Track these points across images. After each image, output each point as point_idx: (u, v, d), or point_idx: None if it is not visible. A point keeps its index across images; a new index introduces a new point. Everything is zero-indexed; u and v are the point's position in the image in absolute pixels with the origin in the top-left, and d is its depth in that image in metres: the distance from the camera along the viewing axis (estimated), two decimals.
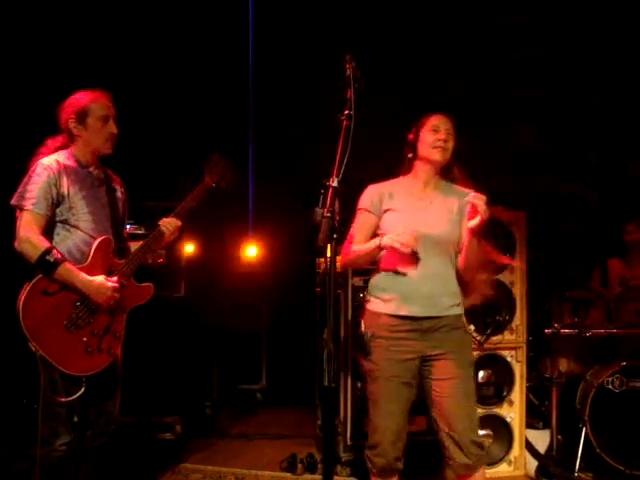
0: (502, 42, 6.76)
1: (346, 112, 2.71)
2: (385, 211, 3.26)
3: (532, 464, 4.64)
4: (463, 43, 6.68)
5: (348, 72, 2.75)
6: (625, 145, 6.89)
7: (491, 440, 4.47)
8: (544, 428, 4.93)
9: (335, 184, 2.51)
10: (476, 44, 6.71)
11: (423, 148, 3.26)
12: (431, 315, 3.17)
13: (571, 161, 6.97)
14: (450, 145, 3.26)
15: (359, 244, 3.23)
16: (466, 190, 3.23)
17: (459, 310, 3.29)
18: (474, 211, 3.01)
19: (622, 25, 6.48)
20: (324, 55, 6.01)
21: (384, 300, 3.22)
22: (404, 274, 3.17)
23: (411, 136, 3.31)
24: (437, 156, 3.24)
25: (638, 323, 4.82)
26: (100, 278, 3.05)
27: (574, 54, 6.76)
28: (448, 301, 3.22)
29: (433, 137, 3.23)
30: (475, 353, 4.36)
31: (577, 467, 4.53)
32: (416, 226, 3.14)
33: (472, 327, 4.36)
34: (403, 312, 3.16)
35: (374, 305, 3.27)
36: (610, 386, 4.54)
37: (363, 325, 3.29)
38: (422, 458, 4.43)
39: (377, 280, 3.29)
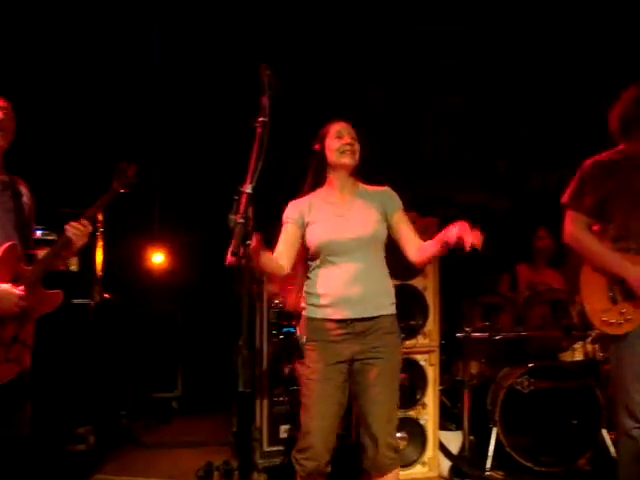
0: (422, 50, 6.88)
1: (260, 119, 2.71)
2: (307, 225, 3.30)
3: (445, 465, 4.74)
4: (382, 50, 6.77)
5: (263, 79, 2.75)
6: (530, 156, 7.14)
7: (406, 442, 4.55)
8: (457, 429, 5.03)
9: (249, 190, 2.51)
10: (395, 52, 6.81)
11: (331, 155, 3.31)
12: (364, 317, 3.19)
13: (482, 169, 7.17)
14: (357, 148, 3.32)
15: (279, 253, 3.25)
16: (381, 188, 3.40)
17: (393, 309, 3.31)
18: (453, 237, 2.99)
19: (538, 39, 6.69)
20: (230, 61, 6.03)
21: (317, 306, 3.26)
22: (336, 279, 3.21)
23: (317, 146, 3.37)
24: (346, 159, 3.29)
25: (545, 326, 4.97)
26: (6, 286, 2.97)
27: (491, 64, 6.94)
28: (382, 300, 3.25)
29: (339, 143, 3.29)
30: None
31: (488, 466, 4.67)
32: (339, 234, 3.22)
33: None
34: (336, 316, 3.20)
35: (308, 311, 3.31)
36: (519, 387, 4.68)
37: (298, 330, 3.43)
38: (348, 462, 4.46)
39: (309, 286, 3.32)
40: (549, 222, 6.51)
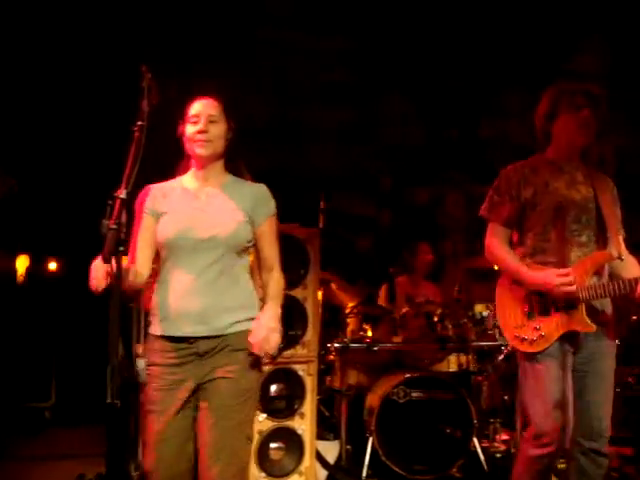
0: (309, 64, 6.93)
1: (139, 123, 2.65)
2: (160, 215, 2.83)
3: (322, 474, 4.76)
4: (268, 63, 6.78)
5: (143, 83, 2.68)
6: (413, 172, 7.32)
7: (282, 452, 4.55)
8: (334, 439, 5.08)
9: (123, 195, 2.46)
10: (283, 65, 6.83)
11: (186, 143, 2.87)
12: (208, 335, 2.74)
13: (366, 183, 7.29)
14: (216, 133, 2.84)
15: (137, 254, 2.81)
16: (257, 185, 2.97)
17: (243, 327, 2.80)
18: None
19: (423, 53, 6.86)
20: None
21: (156, 320, 2.80)
22: (179, 286, 2.75)
23: (180, 128, 2.91)
24: (198, 151, 2.82)
25: (421, 338, 5.09)
26: None
27: (377, 80, 7.07)
28: (228, 317, 2.77)
29: (192, 130, 2.82)
30: (267, 368, 4.43)
31: (364, 475, 4.72)
32: (189, 231, 2.75)
33: None
34: (176, 333, 2.73)
35: (151, 327, 2.83)
36: (395, 397, 4.76)
37: (141, 350, 3.06)
38: None
39: (155, 293, 2.84)
40: (429, 236, 6.72)
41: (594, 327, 3.11)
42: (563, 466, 4.83)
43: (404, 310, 5.28)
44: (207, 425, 2.71)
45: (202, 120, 2.82)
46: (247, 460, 2.91)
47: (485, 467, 4.76)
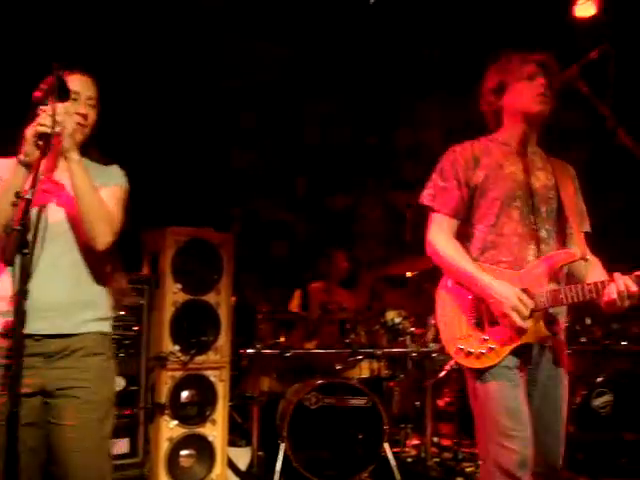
0: (229, 69, 6.89)
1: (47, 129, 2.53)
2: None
3: None
4: (193, 63, 6.69)
5: (55, 82, 2.59)
6: (328, 180, 7.38)
7: (194, 460, 4.50)
8: (247, 446, 5.05)
9: (29, 196, 2.38)
10: (207, 65, 6.76)
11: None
12: (59, 333, 2.47)
13: (283, 189, 7.31)
14: (92, 121, 2.64)
15: None
16: (114, 169, 2.74)
17: (101, 327, 2.59)
18: None
19: (349, 60, 6.90)
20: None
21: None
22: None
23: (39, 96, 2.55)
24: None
25: (334, 344, 5.11)
26: None
27: (293, 85, 7.07)
28: (82, 313, 2.53)
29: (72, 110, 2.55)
30: (179, 373, 4.39)
31: None
32: (39, 215, 2.38)
33: (177, 347, 4.38)
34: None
35: None
36: (307, 403, 4.76)
37: None
38: None
39: None
40: (345, 243, 6.79)
41: (551, 339, 2.69)
42: (471, 469, 4.99)
43: (317, 316, 5.31)
44: (63, 445, 2.46)
45: (82, 100, 2.62)
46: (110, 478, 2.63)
47: (396, 472, 4.81)
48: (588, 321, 5.29)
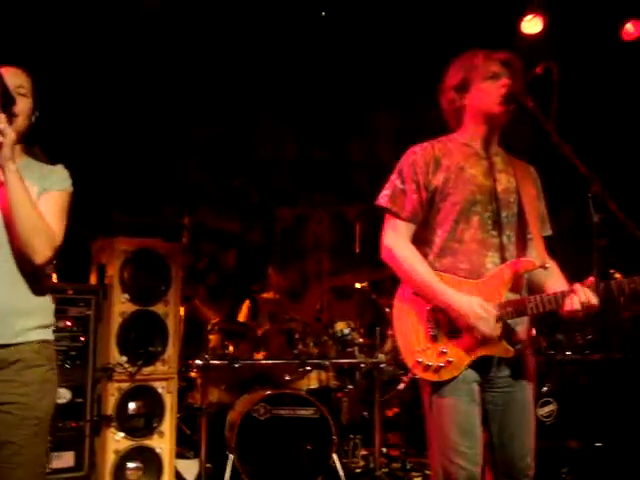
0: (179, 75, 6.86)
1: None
2: None
3: None
4: (145, 74, 6.63)
5: None
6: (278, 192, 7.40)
7: (141, 472, 4.44)
8: (195, 457, 5.01)
9: None
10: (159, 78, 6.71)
11: None
12: None
13: (235, 199, 7.30)
14: (22, 108, 2.49)
15: None
16: (54, 166, 2.62)
17: (42, 335, 2.46)
18: None
19: (300, 73, 6.91)
20: None
21: None
22: None
23: None
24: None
25: (282, 355, 5.11)
26: None
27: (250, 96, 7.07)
28: (20, 322, 2.39)
29: None
30: (126, 385, 4.34)
31: None
32: None
33: (124, 358, 4.33)
34: None
35: None
36: (256, 414, 4.74)
37: None
38: None
39: None
40: (294, 255, 6.81)
41: (512, 351, 2.61)
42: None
43: (266, 327, 5.30)
44: None
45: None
46: None
47: None
48: (533, 332, 5.37)
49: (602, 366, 5.20)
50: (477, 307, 2.54)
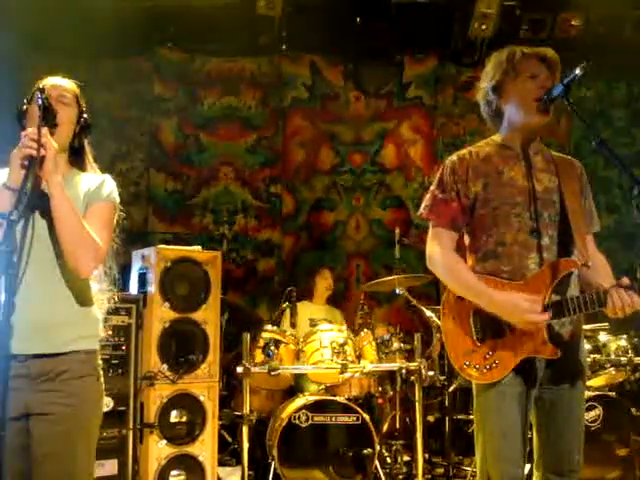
0: None
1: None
2: None
3: None
4: None
5: (41, 106, 2.50)
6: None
7: (183, 479, 4.46)
8: (237, 465, 5.01)
9: (14, 217, 2.33)
10: None
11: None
12: (41, 353, 2.36)
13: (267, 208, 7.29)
14: (60, 119, 2.48)
15: None
16: (100, 175, 2.65)
17: (86, 345, 2.47)
18: None
19: None
20: None
21: None
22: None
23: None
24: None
25: (323, 361, 5.08)
26: None
27: None
28: (66, 333, 2.42)
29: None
30: (168, 392, 4.37)
31: None
32: (27, 232, 2.34)
33: (165, 366, 4.36)
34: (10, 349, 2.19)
35: None
36: (297, 421, 4.74)
37: None
38: None
39: None
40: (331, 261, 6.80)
41: (559, 352, 2.58)
42: None
43: (306, 333, 5.28)
44: (43, 471, 2.35)
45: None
46: None
47: None
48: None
49: None
50: (521, 301, 2.54)
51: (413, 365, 4.91)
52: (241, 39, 6.87)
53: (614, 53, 6.88)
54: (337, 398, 4.92)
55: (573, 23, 6.69)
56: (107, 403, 4.14)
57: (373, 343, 5.23)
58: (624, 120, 7.69)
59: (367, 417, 4.80)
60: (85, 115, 2.63)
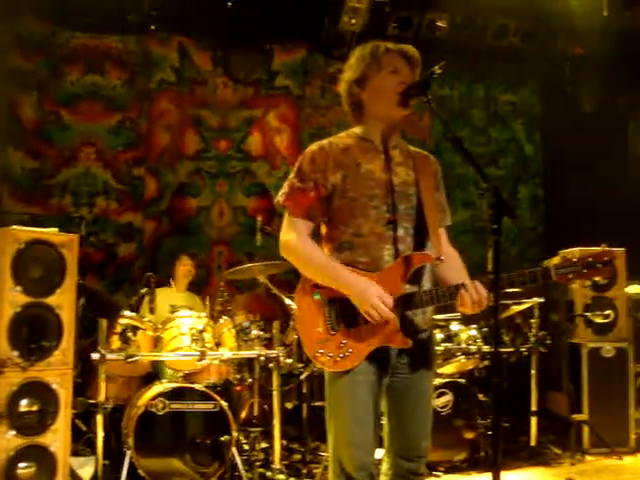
0: None
1: None
2: None
3: None
4: None
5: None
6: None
7: (33, 471, 4.30)
8: (91, 455, 4.89)
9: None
10: None
11: None
12: None
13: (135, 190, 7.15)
14: None
15: None
16: None
17: None
18: None
19: None
20: None
21: None
22: None
23: None
24: None
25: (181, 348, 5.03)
26: None
27: None
28: None
29: None
30: (17, 380, 4.20)
31: None
32: None
33: (15, 353, 4.19)
34: None
35: None
36: (154, 409, 4.66)
37: None
38: None
39: None
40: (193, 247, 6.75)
41: (410, 342, 2.66)
42: (318, 471, 5.07)
43: (165, 320, 5.22)
44: None
45: None
46: None
47: (244, 477, 4.80)
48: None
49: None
50: (376, 286, 2.61)
51: (272, 353, 4.96)
52: (109, 15, 6.68)
53: (475, 56, 7.24)
54: (195, 385, 4.90)
55: (439, 24, 6.91)
56: None
57: (232, 330, 5.25)
58: (483, 120, 8.05)
59: (225, 404, 4.80)
60: None
